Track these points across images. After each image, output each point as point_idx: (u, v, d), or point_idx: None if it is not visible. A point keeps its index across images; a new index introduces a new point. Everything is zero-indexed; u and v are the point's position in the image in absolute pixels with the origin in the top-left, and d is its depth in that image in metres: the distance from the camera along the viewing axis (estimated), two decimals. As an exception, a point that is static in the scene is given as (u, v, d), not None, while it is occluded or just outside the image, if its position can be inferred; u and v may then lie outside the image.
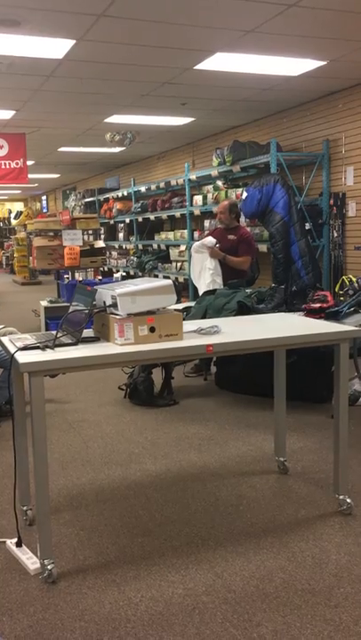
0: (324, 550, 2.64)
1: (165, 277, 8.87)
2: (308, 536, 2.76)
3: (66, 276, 9.12)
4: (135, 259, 11.34)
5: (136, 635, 2.14)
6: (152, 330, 2.66)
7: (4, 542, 2.78)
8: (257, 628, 2.16)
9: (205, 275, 5.85)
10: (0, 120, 8.09)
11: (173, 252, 10.08)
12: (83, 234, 8.62)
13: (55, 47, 5.08)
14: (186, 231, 9.42)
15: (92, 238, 9.36)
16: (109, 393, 5.17)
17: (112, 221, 12.80)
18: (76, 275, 8.90)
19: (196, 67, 5.78)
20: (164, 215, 10.28)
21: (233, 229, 6.02)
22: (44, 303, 8.11)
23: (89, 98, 7.00)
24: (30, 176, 10.87)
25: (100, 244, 9.45)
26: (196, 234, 9.24)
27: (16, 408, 2.92)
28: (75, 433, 4.23)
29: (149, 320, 2.66)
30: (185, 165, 9.44)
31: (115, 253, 12.99)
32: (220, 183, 8.59)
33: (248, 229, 6.72)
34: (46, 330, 7.49)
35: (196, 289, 6.16)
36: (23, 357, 2.43)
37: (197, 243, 5.96)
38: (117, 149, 10.62)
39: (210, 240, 5.79)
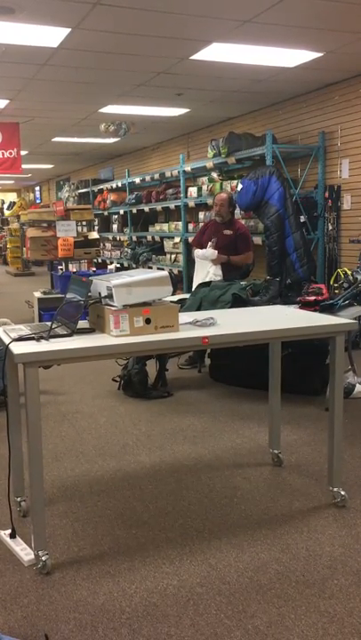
0: (318, 542, 2.65)
1: (160, 269, 8.85)
2: (303, 528, 2.77)
3: (59, 268, 9.08)
4: (129, 250, 11.31)
5: (131, 626, 2.14)
6: (148, 321, 2.65)
7: (-2, 533, 2.77)
8: (251, 620, 2.16)
9: (210, 276, 5.81)
10: (-6, 109, 8.03)
11: (168, 244, 10.06)
12: (77, 225, 8.59)
13: (50, 35, 5.03)
14: (180, 223, 9.39)
15: (85, 229, 9.33)
16: (103, 384, 5.16)
17: (106, 213, 12.75)
18: (70, 266, 8.87)
19: (192, 57, 5.74)
20: (159, 207, 10.24)
21: (228, 223, 5.97)
22: (38, 294, 8.07)
23: (84, 87, 6.95)
24: (24, 166, 10.82)
25: (94, 235, 9.42)
26: (190, 226, 9.22)
27: (10, 399, 2.91)
28: (69, 424, 4.22)
29: (145, 311, 2.65)
30: (180, 157, 9.40)
31: (109, 245, 12.95)
32: (215, 175, 8.56)
33: (243, 222, 6.71)
34: (40, 321, 7.47)
35: (190, 281, 6.15)
36: (18, 348, 2.42)
37: (200, 253, 5.92)
38: (112, 140, 10.56)
39: (212, 252, 5.78)
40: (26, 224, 9.85)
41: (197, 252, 5.95)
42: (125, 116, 8.59)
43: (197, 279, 5.90)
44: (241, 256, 5.84)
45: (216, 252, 5.75)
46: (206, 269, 5.83)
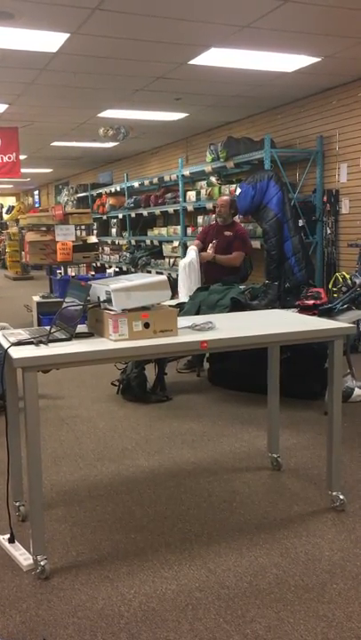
0: (317, 546, 2.65)
1: (158, 273, 8.86)
2: (302, 532, 2.77)
3: (58, 272, 9.09)
4: (128, 254, 11.31)
5: (129, 631, 2.14)
6: (146, 325, 2.65)
7: (-3, 538, 2.77)
8: (250, 624, 2.16)
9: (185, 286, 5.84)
10: (-7, 113, 8.05)
11: (166, 248, 10.07)
12: (75, 229, 8.58)
13: (49, 40, 5.04)
14: (179, 227, 9.40)
15: (84, 233, 9.33)
16: (102, 388, 5.15)
17: (105, 217, 12.76)
18: (69, 270, 8.87)
19: (191, 62, 5.76)
20: (158, 211, 10.26)
21: (229, 225, 6.08)
22: (37, 298, 8.07)
23: (82, 92, 6.97)
24: (23, 170, 10.83)
25: (93, 239, 9.42)
26: (189, 230, 9.23)
27: (9, 403, 2.91)
28: (67, 428, 4.22)
29: (144, 316, 2.65)
30: (179, 161, 9.42)
31: (107, 249, 12.96)
32: (213, 179, 8.58)
33: (245, 228, 6.75)
34: (38, 325, 7.46)
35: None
36: (17, 352, 2.42)
37: (185, 260, 6.01)
38: (111, 144, 10.58)
39: (192, 251, 5.91)
40: (25, 228, 9.83)
41: (188, 257, 5.98)
42: (124, 121, 8.61)
43: (184, 287, 5.92)
44: (228, 256, 5.88)
45: (194, 251, 5.87)
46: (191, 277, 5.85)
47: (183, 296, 5.84)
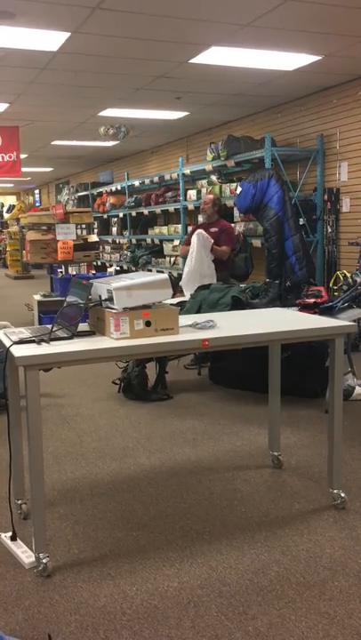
0: (318, 544, 2.66)
1: (159, 272, 8.87)
2: (303, 530, 2.78)
3: (59, 271, 9.10)
4: (129, 253, 11.32)
5: (131, 628, 2.15)
6: (148, 324, 2.66)
7: (-1, 536, 2.77)
8: (252, 621, 2.16)
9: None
10: (-7, 113, 8.05)
11: (167, 247, 10.07)
12: (76, 228, 8.60)
13: (50, 39, 5.05)
14: (180, 226, 9.41)
15: (85, 232, 9.33)
16: (103, 387, 5.16)
17: (105, 216, 12.77)
18: (70, 269, 8.88)
19: (191, 60, 5.76)
20: (158, 210, 10.26)
21: (214, 223, 6.41)
22: (38, 297, 8.08)
23: (83, 91, 6.97)
24: (23, 169, 10.84)
25: (94, 238, 9.43)
26: (189, 228, 9.23)
27: (11, 402, 2.92)
28: (69, 427, 4.23)
29: (145, 314, 2.65)
30: (179, 160, 9.42)
31: (108, 248, 12.97)
32: (214, 178, 8.58)
33: (230, 224, 6.88)
34: (39, 324, 7.47)
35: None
36: (19, 351, 2.42)
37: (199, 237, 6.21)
38: (111, 143, 10.59)
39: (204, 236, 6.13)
40: (25, 227, 9.86)
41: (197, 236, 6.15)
42: (125, 120, 8.62)
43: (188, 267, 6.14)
44: (221, 248, 6.16)
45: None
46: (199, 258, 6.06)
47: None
